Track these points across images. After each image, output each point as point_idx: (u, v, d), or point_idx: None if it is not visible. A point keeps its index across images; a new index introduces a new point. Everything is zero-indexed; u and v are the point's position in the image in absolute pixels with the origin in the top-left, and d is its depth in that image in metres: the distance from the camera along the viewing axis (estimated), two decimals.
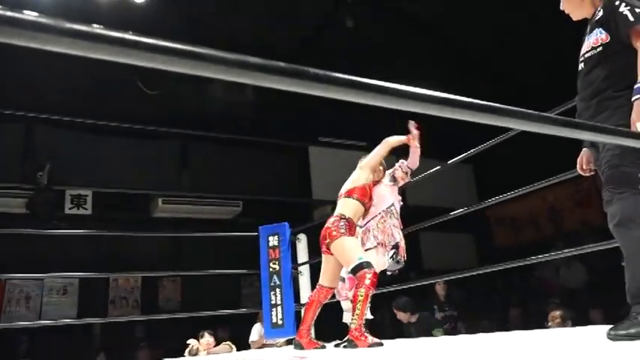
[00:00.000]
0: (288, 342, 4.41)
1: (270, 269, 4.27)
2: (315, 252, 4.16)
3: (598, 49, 1.92)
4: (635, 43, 1.79)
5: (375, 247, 3.13)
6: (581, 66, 2.00)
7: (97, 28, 0.57)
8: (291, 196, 8.18)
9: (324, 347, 3.12)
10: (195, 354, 4.47)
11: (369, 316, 2.99)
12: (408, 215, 3.56)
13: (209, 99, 7.45)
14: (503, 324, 6.60)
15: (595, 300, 5.96)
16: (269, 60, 0.65)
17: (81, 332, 6.98)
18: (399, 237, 3.18)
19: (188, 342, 4.52)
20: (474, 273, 3.14)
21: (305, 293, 4.27)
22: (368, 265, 2.92)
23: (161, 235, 6.29)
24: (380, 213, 3.23)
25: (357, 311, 2.85)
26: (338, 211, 3.19)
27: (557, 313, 4.68)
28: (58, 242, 6.45)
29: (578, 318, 5.97)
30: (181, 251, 8.06)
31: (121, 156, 7.28)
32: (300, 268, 4.55)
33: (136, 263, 6.72)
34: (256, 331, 5.05)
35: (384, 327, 7.46)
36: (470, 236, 10.20)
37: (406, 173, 3.40)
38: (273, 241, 4.29)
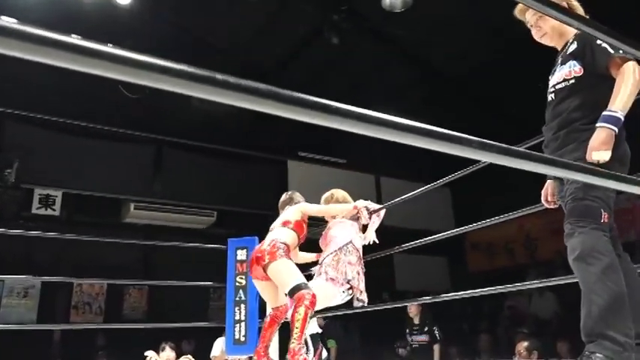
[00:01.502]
0: (251, 359, 4.37)
1: (237, 283, 4.20)
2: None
3: (570, 82, 1.93)
4: (613, 72, 1.82)
5: (325, 280, 3.07)
6: (551, 97, 2.01)
7: (77, 39, 0.57)
8: (267, 209, 8.14)
9: None
10: None
11: (318, 330, 2.97)
12: (384, 236, 3.56)
13: (191, 106, 7.42)
14: (472, 350, 6.63)
15: (563, 331, 6.00)
16: (240, 78, 0.65)
17: (40, 336, 6.79)
18: (351, 275, 3.09)
19: (146, 354, 4.45)
20: (449, 297, 3.15)
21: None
22: (306, 285, 2.92)
23: (129, 242, 6.19)
24: (335, 251, 3.16)
25: (297, 332, 2.84)
26: (272, 237, 3.16)
27: (525, 344, 4.74)
28: (23, 242, 6.30)
29: (546, 349, 6.05)
30: (150, 259, 7.94)
31: (94, 158, 7.17)
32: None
33: (103, 269, 6.59)
34: (218, 346, 4.94)
35: (354, 350, 7.46)
36: (444, 259, 10.27)
37: (370, 215, 3.39)
38: (241, 255, 4.22)
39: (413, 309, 6.04)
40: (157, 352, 4.67)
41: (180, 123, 7.51)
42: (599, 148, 1.72)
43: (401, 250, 3.58)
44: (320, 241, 3.39)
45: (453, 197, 10.08)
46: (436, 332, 5.85)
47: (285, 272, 3.01)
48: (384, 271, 9.57)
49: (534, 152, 0.96)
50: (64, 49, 0.56)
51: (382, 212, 3.43)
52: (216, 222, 7.93)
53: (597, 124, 1.74)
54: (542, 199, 2.13)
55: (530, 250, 8.92)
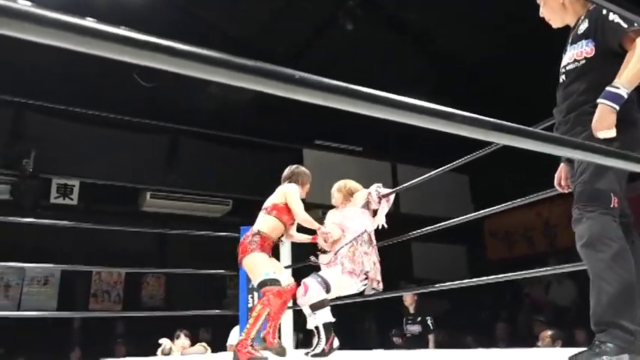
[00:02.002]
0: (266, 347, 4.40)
1: None
2: (299, 256, 4.15)
3: (581, 62, 1.86)
4: (628, 47, 1.73)
5: (341, 273, 3.07)
6: (562, 78, 1.94)
7: (92, 22, 0.56)
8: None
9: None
10: (168, 354, 4.45)
11: (331, 319, 2.98)
12: (400, 223, 3.54)
13: (206, 95, 7.43)
14: (489, 339, 6.60)
15: (581, 320, 5.93)
16: (258, 62, 0.64)
17: (60, 323, 6.93)
18: (369, 266, 3.11)
19: (160, 341, 4.50)
20: (463, 284, 3.12)
21: None
22: (272, 282, 2.98)
23: (144, 230, 6.26)
24: (351, 241, 3.16)
25: (248, 325, 2.94)
26: (255, 226, 3.24)
27: (549, 333, 4.71)
28: (42, 231, 6.40)
29: (564, 337, 6.00)
30: (167, 247, 8.02)
31: (111, 147, 7.24)
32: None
33: (120, 257, 6.68)
34: (235, 335, 4.98)
35: (370, 336, 7.47)
36: (462, 248, 10.22)
37: (380, 199, 3.35)
38: None
39: (408, 298, 5.97)
40: (172, 340, 4.73)
41: (195, 111, 7.53)
42: (599, 128, 1.66)
43: (417, 237, 3.53)
44: (329, 226, 3.30)
45: (471, 186, 10.01)
46: (429, 322, 5.81)
47: (253, 266, 3.09)
48: (402, 260, 9.56)
49: (544, 132, 0.93)
50: (80, 32, 0.55)
51: (391, 197, 3.41)
52: (231, 210, 7.98)
53: (597, 101, 1.67)
54: (555, 183, 2.07)
55: (550, 237, 8.81)
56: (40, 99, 6.74)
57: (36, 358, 4.03)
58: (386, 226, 3.30)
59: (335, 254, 3.19)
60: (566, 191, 2.03)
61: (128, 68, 6.86)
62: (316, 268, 3.30)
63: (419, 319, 5.91)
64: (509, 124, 0.84)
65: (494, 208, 2.90)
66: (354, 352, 3.89)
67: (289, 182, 3.40)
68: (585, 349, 1.56)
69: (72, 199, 7.17)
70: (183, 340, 4.76)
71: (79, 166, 7.05)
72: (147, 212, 7.75)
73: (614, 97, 1.65)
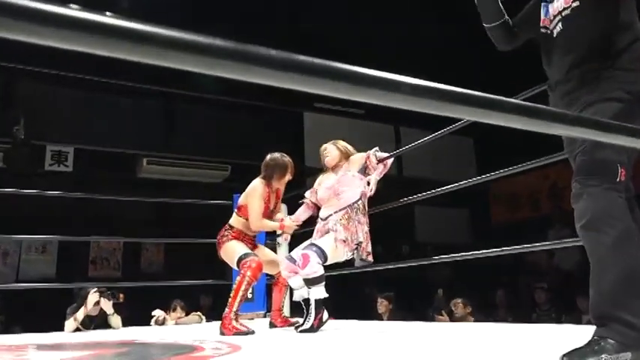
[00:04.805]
0: (264, 315, 4.51)
1: None
2: None
3: (574, 4, 1.60)
4: None
5: (335, 241, 3.03)
6: (557, 29, 1.66)
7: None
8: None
9: (294, 324, 3.28)
10: (162, 324, 4.53)
11: (324, 295, 2.99)
12: (403, 187, 3.55)
13: None
14: (489, 306, 6.68)
15: (584, 286, 5.94)
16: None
17: (59, 290, 7.02)
18: (362, 237, 3.08)
19: (153, 313, 4.57)
20: (469, 256, 3.13)
21: (283, 265, 4.29)
22: (246, 255, 3.17)
23: (136, 199, 6.29)
24: (345, 208, 3.12)
25: (230, 300, 3.06)
26: (230, 222, 3.44)
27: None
28: (38, 198, 6.43)
29: (566, 305, 6.07)
30: (166, 214, 8.06)
31: (105, 113, 7.21)
32: (280, 239, 4.56)
33: (118, 224, 6.74)
34: None
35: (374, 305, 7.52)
36: (466, 211, 10.28)
37: (378, 163, 3.30)
38: None
39: (382, 307, 5.83)
40: (168, 312, 4.81)
41: (191, 74, 7.44)
42: None
43: (420, 200, 3.54)
44: (321, 190, 3.31)
45: (475, 148, 9.99)
46: None
47: (229, 253, 3.28)
48: (404, 224, 9.63)
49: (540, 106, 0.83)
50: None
51: (389, 162, 3.37)
52: (230, 176, 7.99)
53: None
54: None
55: (556, 200, 8.84)
56: (30, 64, 6.66)
57: (35, 325, 4.10)
58: (371, 193, 3.24)
59: (324, 220, 3.17)
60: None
61: None
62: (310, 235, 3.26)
63: None
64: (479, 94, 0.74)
65: (498, 172, 2.88)
66: (345, 322, 3.96)
67: (262, 177, 3.43)
68: (581, 345, 1.38)
69: (67, 166, 7.17)
70: (179, 313, 4.85)
71: (72, 132, 7.03)
72: (144, 178, 7.76)
73: None
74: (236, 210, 3.45)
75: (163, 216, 8.02)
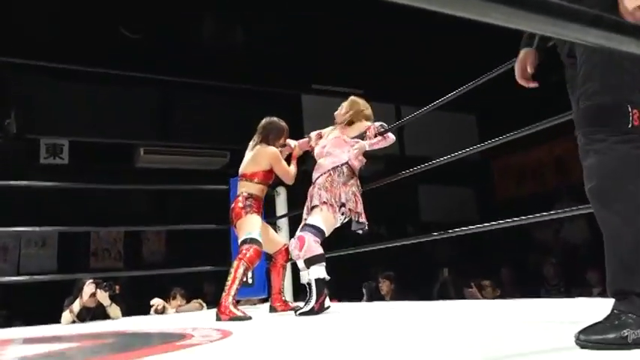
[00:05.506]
0: (264, 300, 4.50)
1: None
2: (294, 205, 4.17)
3: None
4: None
5: (318, 205, 3.06)
6: None
7: None
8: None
9: (294, 309, 3.22)
10: (162, 312, 4.52)
11: (326, 277, 2.97)
12: (405, 165, 3.52)
13: (195, 44, 7.26)
14: (496, 281, 6.67)
15: (594, 259, 5.88)
16: None
17: (60, 283, 7.03)
18: (345, 197, 3.08)
19: (152, 302, 4.55)
20: (474, 230, 3.10)
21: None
22: (252, 241, 3.17)
23: (135, 187, 6.29)
24: (329, 171, 3.17)
25: (227, 284, 3.04)
26: (245, 189, 3.41)
27: None
28: (35, 193, 6.42)
29: (575, 278, 6.05)
30: (165, 203, 8.05)
31: (99, 104, 7.16)
32: (279, 222, 4.56)
33: (118, 215, 6.72)
34: None
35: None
36: (471, 189, 10.25)
37: (376, 136, 3.30)
38: None
39: (385, 287, 5.89)
40: (168, 300, 4.79)
41: (185, 62, 7.38)
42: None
43: (423, 179, 3.54)
44: (318, 147, 3.41)
45: (478, 126, 9.91)
46: None
47: (245, 226, 3.27)
48: (409, 204, 9.61)
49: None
50: None
51: (390, 138, 3.34)
52: (229, 162, 7.95)
53: None
54: (518, 75, 1.63)
55: (562, 174, 8.79)
56: (21, 56, 6.59)
57: (37, 319, 4.12)
58: (355, 154, 3.22)
59: (313, 183, 3.21)
60: (531, 85, 1.62)
61: (113, 20, 6.69)
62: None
63: None
64: None
65: (500, 137, 2.81)
66: (348, 304, 3.95)
67: (261, 141, 3.51)
68: (599, 320, 1.23)
69: (62, 159, 7.14)
70: (179, 301, 4.84)
71: (66, 124, 6.99)
72: (142, 168, 7.73)
73: None
74: (246, 178, 3.45)
75: (163, 205, 8.01)
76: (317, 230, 2.98)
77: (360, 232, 3.16)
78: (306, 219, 3.13)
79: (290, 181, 3.51)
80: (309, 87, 8.63)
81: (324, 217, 3.02)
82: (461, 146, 3.18)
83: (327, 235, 3.05)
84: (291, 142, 3.69)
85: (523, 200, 8.85)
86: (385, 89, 8.49)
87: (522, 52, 1.59)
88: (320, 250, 2.97)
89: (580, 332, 1.21)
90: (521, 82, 1.63)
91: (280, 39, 7.48)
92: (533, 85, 1.61)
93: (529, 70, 1.58)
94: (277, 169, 3.46)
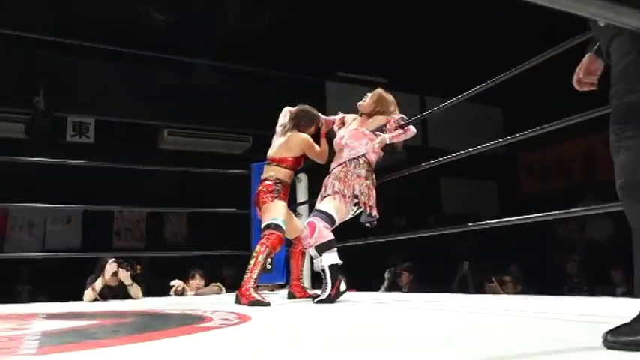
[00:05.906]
0: (281, 286, 4.54)
1: None
2: (315, 192, 4.18)
3: None
4: None
5: (331, 194, 3.08)
6: None
7: None
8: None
9: (312, 296, 3.27)
10: (181, 294, 4.57)
11: (338, 262, 2.99)
12: (428, 157, 3.51)
13: (221, 27, 7.26)
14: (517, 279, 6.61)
15: (617, 257, 5.81)
16: None
17: (84, 260, 7.19)
18: (358, 189, 3.07)
19: (172, 283, 4.61)
20: (494, 224, 3.08)
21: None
22: (275, 227, 3.20)
23: (159, 168, 6.35)
24: (345, 162, 3.17)
25: (248, 269, 3.06)
26: (272, 174, 3.43)
27: None
28: (61, 170, 6.54)
29: (598, 276, 5.98)
30: (187, 185, 8.14)
31: (125, 84, 7.23)
32: (299, 209, 4.58)
33: (141, 195, 6.82)
34: None
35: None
36: (494, 183, 10.16)
37: (396, 129, 3.26)
38: None
39: (404, 278, 5.96)
40: (187, 280, 4.83)
41: (212, 45, 7.41)
42: None
43: (446, 172, 3.50)
44: (338, 136, 3.40)
45: (504, 119, 9.78)
46: None
47: (271, 211, 3.30)
48: (430, 196, 9.57)
49: None
50: None
51: (412, 130, 3.30)
52: (252, 147, 7.99)
53: None
54: (575, 79, 1.59)
55: (589, 170, 8.65)
56: (50, 34, 6.69)
57: (60, 295, 4.22)
58: (376, 148, 3.21)
59: (330, 172, 3.23)
60: (586, 89, 1.60)
61: (141, 1, 6.74)
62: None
63: None
64: None
65: (524, 133, 2.77)
66: (366, 294, 3.95)
67: (291, 128, 3.52)
68: (628, 321, 1.18)
69: (88, 137, 7.27)
70: (198, 281, 4.82)
71: (93, 103, 7.08)
72: (165, 150, 7.82)
73: None
74: (275, 163, 3.47)
75: (185, 187, 8.10)
76: (327, 216, 2.99)
77: (369, 225, 3.16)
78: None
79: (324, 161, 3.52)
80: (334, 74, 8.61)
81: (335, 206, 3.03)
82: (485, 139, 3.14)
83: (337, 224, 3.05)
84: (321, 117, 3.69)
85: (548, 195, 8.74)
86: (410, 79, 8.43)
87: (587, 57, 1.57)
88: (331, 236, 2.98)
89: (608, 332, 1.18)
90: (575, 85, 1.61)
91: (306, 25, 7.46)
92: (586, 88, 1.59)
93: (583, 77, 1.57)
94: (311, 154, 3.49)
